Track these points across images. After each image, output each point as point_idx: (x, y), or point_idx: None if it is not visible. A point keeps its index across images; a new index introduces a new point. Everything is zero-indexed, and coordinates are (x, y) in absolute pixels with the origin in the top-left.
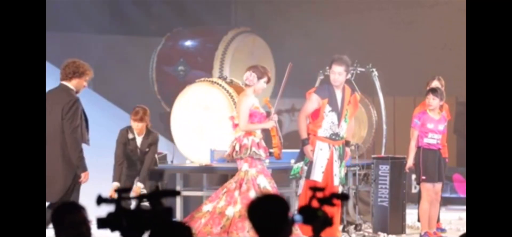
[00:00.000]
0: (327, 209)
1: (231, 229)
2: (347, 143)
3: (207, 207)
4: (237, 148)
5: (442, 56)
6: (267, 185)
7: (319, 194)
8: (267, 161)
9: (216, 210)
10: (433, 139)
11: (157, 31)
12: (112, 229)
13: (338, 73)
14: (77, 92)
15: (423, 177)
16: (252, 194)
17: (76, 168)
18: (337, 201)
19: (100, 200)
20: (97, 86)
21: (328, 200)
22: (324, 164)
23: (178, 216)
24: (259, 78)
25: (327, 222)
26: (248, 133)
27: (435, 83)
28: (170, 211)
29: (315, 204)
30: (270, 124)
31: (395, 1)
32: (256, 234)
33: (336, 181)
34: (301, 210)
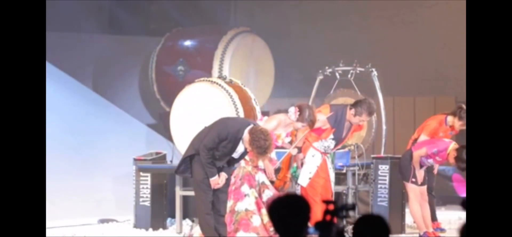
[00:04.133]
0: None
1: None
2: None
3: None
4: None
5: (442, 56)
6: (266, 180)
7: (332, 207)
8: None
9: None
10: (430, 163)
11: (156, 31)
12: None
13: (364, 122)
14: None
15: (413, 179)
16: (245, 189)
17: None
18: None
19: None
20: (97, 87)
21: (338, 212)
22: (313, 171)
23: (177, 216)
24: (298, 120)
25: (342, 235)
26: None
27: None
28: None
29: (328, 217)
30: (269, 169)
31: (395, 1)
32: (277, 233)
33: (332, 186)
34: (317, 225)
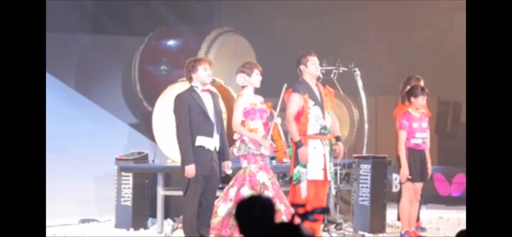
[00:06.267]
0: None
1: (221, 227)
2: (338, 138)
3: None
4: (237, 145)
5: (424, 56)
6: (267, 181)
7: (301, 210)
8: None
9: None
10: (419, 139)
11: (140, 31)
12: None
13: (317, 63)
14: (205, 84)
15: (409, 177)
16: (245, 191)
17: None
18: (318, 216)
19: None
20: (80, 86)
21: (309, 215)
22: (322, 161)
23: (159, 216)
24: (249, 74)
25: None
26: (249, 130)
27: (421, 83)
28: None
29: (297, 220)
30: (264, 142)
31: (379, 0)
32: (242, 235)
33: (329, 176)
34: (282, 227)
